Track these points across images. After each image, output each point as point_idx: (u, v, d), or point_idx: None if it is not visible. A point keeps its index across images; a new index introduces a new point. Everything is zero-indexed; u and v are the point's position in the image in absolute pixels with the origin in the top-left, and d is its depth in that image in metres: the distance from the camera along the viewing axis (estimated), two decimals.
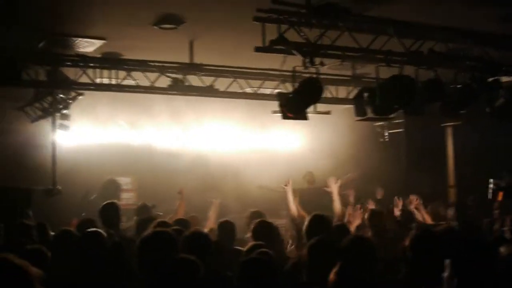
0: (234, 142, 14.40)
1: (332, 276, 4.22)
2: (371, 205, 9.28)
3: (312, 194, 10.89)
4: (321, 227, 5.88)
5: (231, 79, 10.25)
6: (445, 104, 8.62)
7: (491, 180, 10.54)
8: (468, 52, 8.17)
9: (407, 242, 4.55)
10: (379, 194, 12.57)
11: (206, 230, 7.43)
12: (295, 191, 8.48)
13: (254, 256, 4.99)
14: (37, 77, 9.37)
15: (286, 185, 8.44)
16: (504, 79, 8.86)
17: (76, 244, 5.80)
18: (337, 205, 8.31)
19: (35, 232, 6.71)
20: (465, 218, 8.89)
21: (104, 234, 5.81)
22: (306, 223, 6.11)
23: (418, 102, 8.03)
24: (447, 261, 3.80)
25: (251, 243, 5.89)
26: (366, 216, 8.01)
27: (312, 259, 4.64)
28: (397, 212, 9.02)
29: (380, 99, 7.85)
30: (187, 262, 4.28)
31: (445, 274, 3.76)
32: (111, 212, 7.56)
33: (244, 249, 5.87)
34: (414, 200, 9.10)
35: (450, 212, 9.30)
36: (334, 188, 8.46)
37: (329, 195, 8.55)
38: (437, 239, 4.60)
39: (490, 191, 10.50)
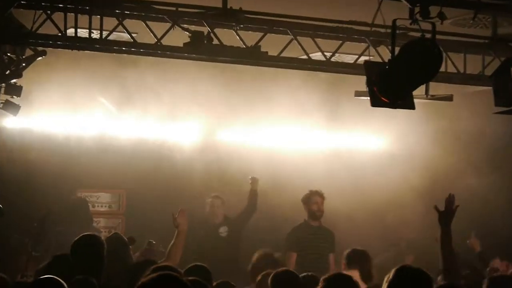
0: (292, 139, 14.68)
1: None
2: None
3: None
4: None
5: (289, 37, 10.32)
6: None
7: None
8: None
9: None
10: None
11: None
12: None
13: None
14: None
15: None
16: None
17: None
18: None
19: None
20: None
21: (64, 285, 5.97)
22: (390, 275, 6.38)
23: None
24: None
25: None
26: None
27: None
28: None
29: None
30: None
31: None
32: (91, 250, 7.79)
33: None
34: None
35: None
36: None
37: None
38: None
39: None
